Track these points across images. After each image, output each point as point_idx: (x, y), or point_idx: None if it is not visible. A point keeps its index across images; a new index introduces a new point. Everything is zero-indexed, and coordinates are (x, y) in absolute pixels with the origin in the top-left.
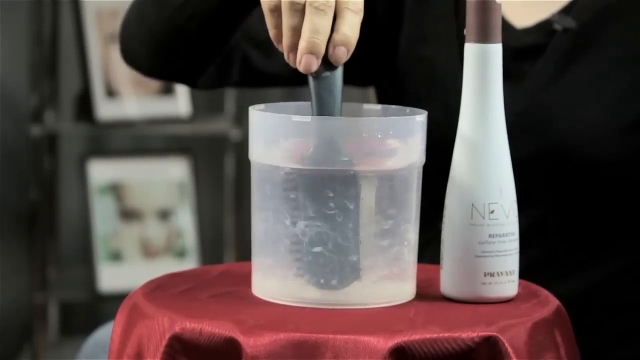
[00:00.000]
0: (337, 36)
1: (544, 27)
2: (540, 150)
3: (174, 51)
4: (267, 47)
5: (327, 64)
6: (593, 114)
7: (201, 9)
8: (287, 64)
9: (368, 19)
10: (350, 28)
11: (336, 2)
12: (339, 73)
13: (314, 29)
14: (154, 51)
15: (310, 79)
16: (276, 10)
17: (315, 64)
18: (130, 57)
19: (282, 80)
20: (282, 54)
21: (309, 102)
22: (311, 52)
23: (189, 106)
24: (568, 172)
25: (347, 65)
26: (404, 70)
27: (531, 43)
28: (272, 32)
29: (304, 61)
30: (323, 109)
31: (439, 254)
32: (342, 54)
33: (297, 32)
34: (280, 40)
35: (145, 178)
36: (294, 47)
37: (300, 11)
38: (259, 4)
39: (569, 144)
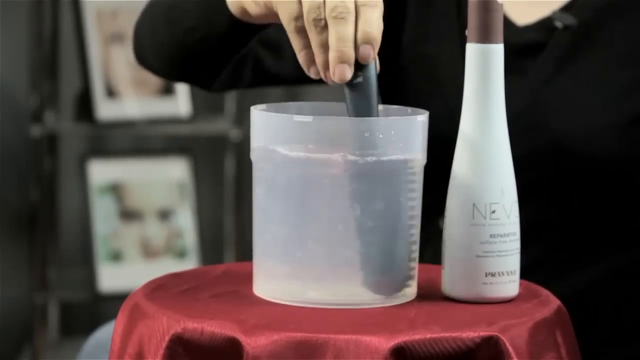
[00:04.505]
0: (358, 35)
1: (545, 25)
2: (540, 147)
3: (187, 64)
4: (279, 48)
5: (358, 67)
6: (593, 111)
7: (209, 32)
8: (299, 65)
9: None
10: (370, 24)
11: (355, 4)
12: (372, 76)
13: (340, 38)
14: (167, 63)
15: (345, 89)
16: (302, 31)
17: (349, 72)
18: (144, 62)
19: (294, 80)
20: (293, 55)
21: (309, 103)
22: (342, 61)
23: (189, 106)
24: (568, 168)
25: None
26: (406, 69)
27: (532, 40)
28: (301, 55)
29: (338, 72)
30: (360, 115)
31: (439, 252)
32: (367, 51)
33: (326, 47)
34: (311, 63)
35: (145, 178)
36: (327, 64)
37: (324, 27)
38: (266, 27)
39: (569, 141)
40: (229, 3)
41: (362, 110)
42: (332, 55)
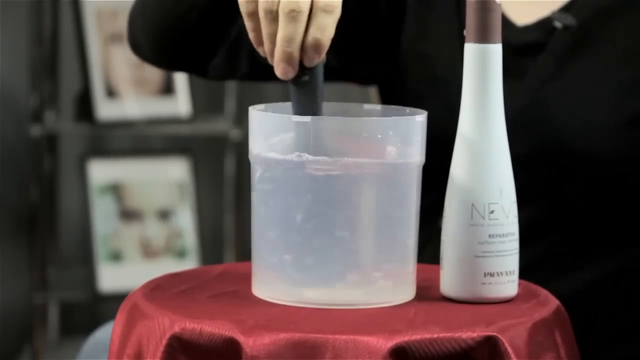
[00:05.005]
0: (307, 39)
1: (545, 25)
2: (540, 147)
3: (176, 41)
4: None
5: (305, 67)
6: (592, 111)
7: (196, 2)
8: None
9: (370, 16)
10: (321, 30)
11: (312, 3)
12: (318, 76)
13: (286, 37)
14: (158, 42)
15: (290, 85)
16: (254, 15)
17: (291, 72)
18: (137, 48)
19: None
20: None
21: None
22: (285, 60)
23: (189, 106)
24: (567, 168)
25: (349, 64)
26: (405, 68)
27: (532, 40)
28: (251, 35)
29: (280, 70)
30: (302, 112)
31: (438, 253)
32: (313, 57)
33: (275, 38)
34: (259, 43)
35: (145, 178)
36: (273, 53)
37: (275, 19)
38: None
39: (568, 141)
40: None
41: (306, 109)
42: (276, 52)
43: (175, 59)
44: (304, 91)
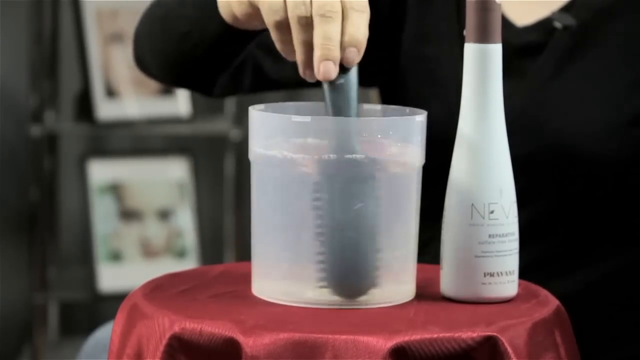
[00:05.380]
0: (345, 38)
1: (545, 25)
2: (540, 148)
3: (184, 69)
4: (278, 54)
5: (341, 69)
6: (592, 112)
7: (203, 38)
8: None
9: (372, 17)
10: (357, 28)
11: (341, 4)
12: (353, 78)
13: (326, 36)
14: (166, 68)
15: (326, 88)
16: (282, 26)
17: (334, 70)
18: (144, 67)
19: (294, 84)
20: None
21: (308, 103)
22: (327, 58)
23: (189, 106)
24: (567, 169)
25: None
26: (406, 69)
27: (531, 41)
28: (280, 47)
29: (323, 69)
30: (339, 116)
31: (439, 253)
32: (353, 55)
33: (309, 46)
34: (289, 53)
35: (145, 178)
36: (309, 62)
37: (309, 25)
38: (260, 32)
39: (568, 142)
40: (220, 8)
41: (341, 111)
42: (317, 53)
43: (182, 81)
44: (339, 94)
